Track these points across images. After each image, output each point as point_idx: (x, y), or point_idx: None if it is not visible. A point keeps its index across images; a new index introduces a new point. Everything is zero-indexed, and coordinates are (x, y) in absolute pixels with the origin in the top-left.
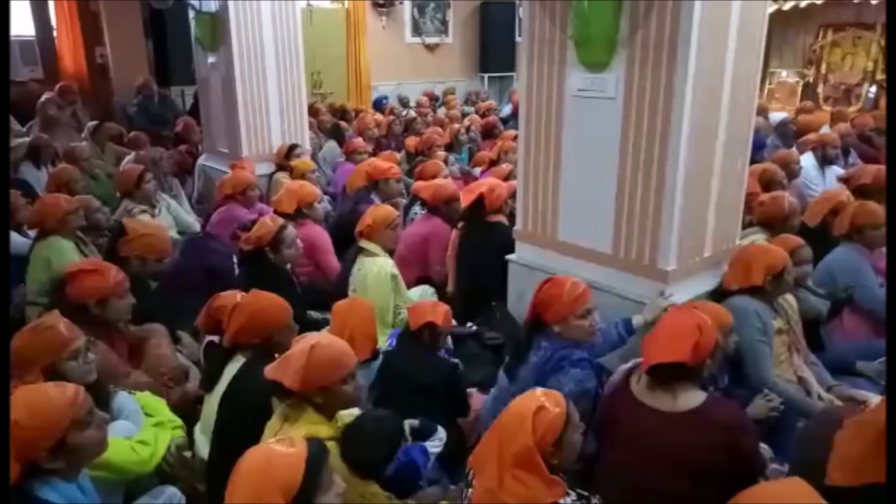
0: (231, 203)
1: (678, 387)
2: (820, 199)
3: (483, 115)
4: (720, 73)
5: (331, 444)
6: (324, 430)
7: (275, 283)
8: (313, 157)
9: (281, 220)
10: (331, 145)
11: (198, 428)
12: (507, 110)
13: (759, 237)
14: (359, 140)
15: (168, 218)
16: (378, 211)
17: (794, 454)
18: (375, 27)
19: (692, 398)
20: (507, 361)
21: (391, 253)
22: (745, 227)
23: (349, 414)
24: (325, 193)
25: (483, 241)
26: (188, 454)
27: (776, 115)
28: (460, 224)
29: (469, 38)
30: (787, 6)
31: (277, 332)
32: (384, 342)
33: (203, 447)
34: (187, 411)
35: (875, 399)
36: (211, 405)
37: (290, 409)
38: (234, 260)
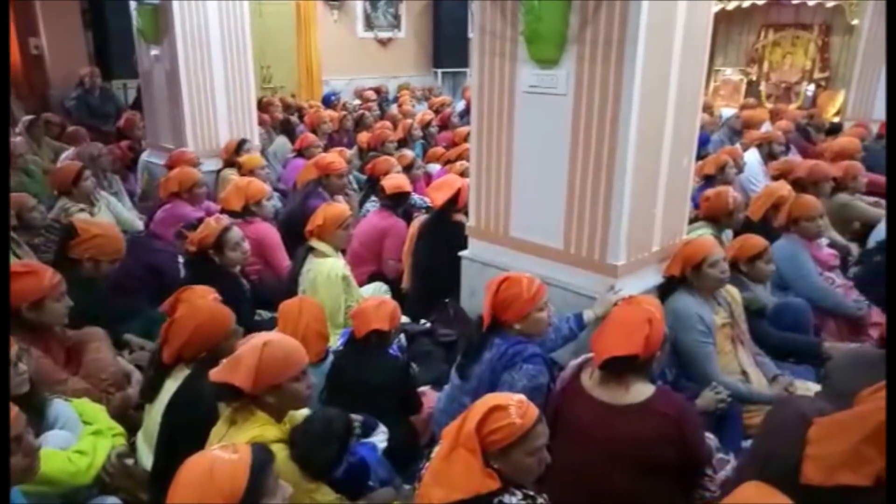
0: (177, 201)
1: (630, 380)
2: (762, 193)
3: (437, 111)
4: (667, 71)
5: (279, 447)
6: (272, 431)
7: (221, 285)
8: (263, 152)
9: (225, 222)
10: (281, 141)
11: (140, 436)
12: (460, 106)
13: (704, 231)
14: (311, 136)
15: (108, 216)
16: (330, 210)
17: (755, 444)
18: (327, 21)
19: (642, 391)
20: (458, 361)
21: (344, 252)
22: (690, 221)
23: (300, 414)
24: (276, 190)
25: (441, 237)
26: (131, 462)
27: (727, 112)
28: (422, 218)
29: (422, 33)
30: (730, 6)
31: (222, 341)
32: (335, 342)
33: (146, 456)
34: (129, 418)
35: (814, 387)
36: (153, 416)
37: (238, 412)
38: (180, 260)
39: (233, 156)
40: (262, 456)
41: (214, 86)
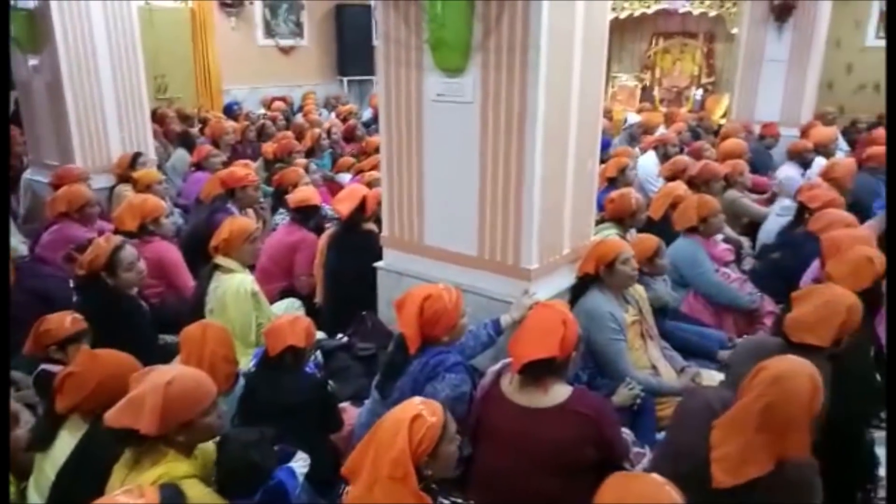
0: (66, 221)
1: (549, 382)
2: (661, 194)
3: (344, 120)
4: (568, 77)
5: (191, 482)
6: (181, 467)
7: (116, 310)
8: (160, 166)
9: (116, 240)
10: (180, 153)
11: (31, 485)
12: (367, 114)
13: (610, 232)
14: (209, 147)
15: None
16: (235, 224)
17: (667, 437)
18: (224, 28)
19: (561, 392)
20: (377, 380)
21: (252, 268)
22: (597, 223)
23: (210, 445)
24: (176, 206)
25: (352, 248)
26: None
27: (633, 117)
28: (331, 231)
29: (325, 40)
30: (622, 15)
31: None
32: (247, 363)
33: None
34: (18, 462)
35: (718, 376)
36: (45, 469)
37: (143, 453)
38: (71, 285)
39: (127, 171)
40: (171, 497)
41: (103, 97)
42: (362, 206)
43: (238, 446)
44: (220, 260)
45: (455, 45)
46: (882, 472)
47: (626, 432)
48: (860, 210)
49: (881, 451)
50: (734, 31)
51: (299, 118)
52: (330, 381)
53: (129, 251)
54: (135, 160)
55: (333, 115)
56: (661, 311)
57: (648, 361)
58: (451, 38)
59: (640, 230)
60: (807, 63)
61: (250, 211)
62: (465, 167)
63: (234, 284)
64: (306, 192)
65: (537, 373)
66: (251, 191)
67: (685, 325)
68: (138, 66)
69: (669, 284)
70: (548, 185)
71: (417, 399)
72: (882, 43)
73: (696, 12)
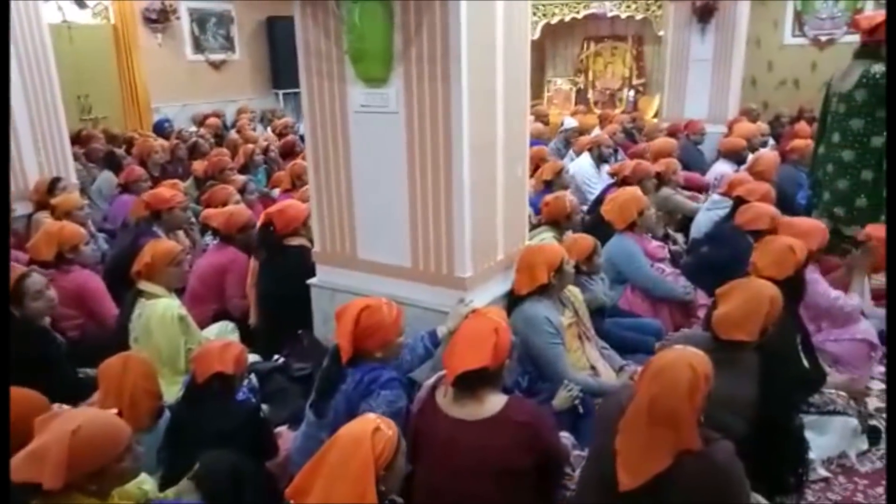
0: None
1: (483, 392)
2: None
3: (280, 134)
4: (492, 85)
5: None
6: None
7: (26, 344)
8: (83, 190)
9: (21, 269)
10: (106, 176)
11: None
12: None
13: (547, 235)
14: (138, 168)
15: None
16: (158, 247)
17: (593, 440)
18: (150, 45)
19: (496, 402)
20: (312, 399)
21: (181, 291)
22: (534, 227)
23: (131, 486)
24: (102, 231)
25: (283, 266)
26: None
27: (569, 121)
28: (259, 251)
29: (258, 53)
30: (553, 21)
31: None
32: (177, 391)
33: None
34: None
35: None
36: None
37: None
38: None
39: (45, 197)
40: None
41: (16, 120)
42: (270, 223)
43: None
44: (143, 285)
45: (375, 55)
46: (812, 455)
47: (566, 436)
48: (784, 201)
49: (810, 436)
50: (661, 33)
51: (233, 134)
52: (264, 406)
53: (36, 279)
54: (53, 185)
55: (269, 129)
56: (599, 312)
57: (587, 362)
58: (371, 49)
59: (575, 232)
60: (730, 62)
61: (180, 233)
62: (393, 178)
63: (160, 310)
64: (235, 212)
65: (471, 384)
66: (178, 212)
67: (622, 319)
68: (53, 87)
69: (607, 283)
70: (478, 193)
71: (371, 414)
72: (797, 41)
73: (623, 16)
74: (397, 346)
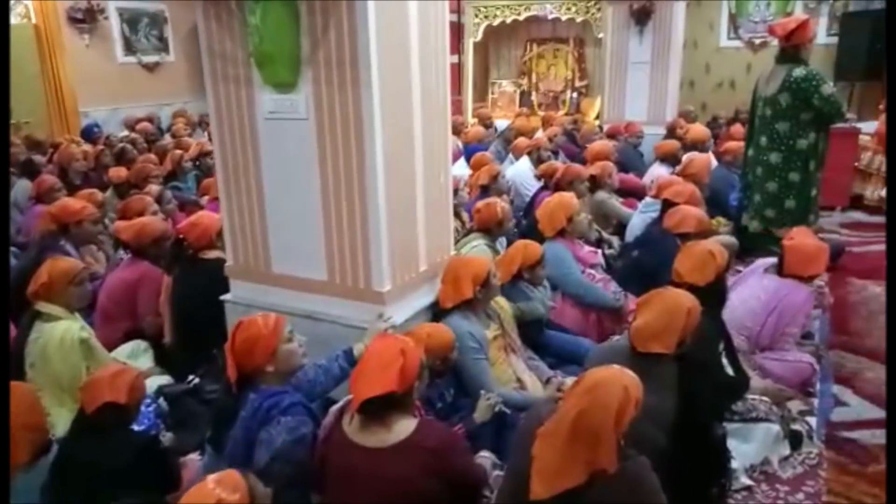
0: None
1: (391, 418)
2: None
3: None
4: (408, 90)
5: None
6: None
7: None
8: None
9: None
10: (23, 184)
11: None
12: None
13: (479, 243)
14: (50, 178)
15: None
16: (56, 265)
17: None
18: (77, 46)
19: (405, 427)
20: (209, 434)
21: (88, 309)
22: (466, 233)
23: None
24: (15, 245)
25: (197, 281)
26: None
27: (501, 123)
28: (170, 265)
29: (194, 55)
30: (495, 23)
31: None
32: None
33: None
34: None
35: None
36: None
37: None
38: None
39: None
40: None
41: None
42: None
43: None
44: (41, 306)
45: (281, 59)
46: (735, 464)
47: (486, 456)
48: (718, 202)
49: (733, 444)
50: (600, 35)
51: (167, 139)
52: (168, 434)
53: None
54: None
55: (207, 134)
56: (538, 323)
57: (513, 375)
58: (276, 53)
59: (510, 240)
60: (668, 64)
61: (91, 247)
62: (306, 188)
63: (58, 333)
64: (146, 223)
65: (378, 410)
66: (88, 225)
67: (556, 332)
68: None
69: (549, 293)
70: (395, 202)
71: (211, 478)
72: (732, 43)
73: (564, 18)
74: (287, 356)
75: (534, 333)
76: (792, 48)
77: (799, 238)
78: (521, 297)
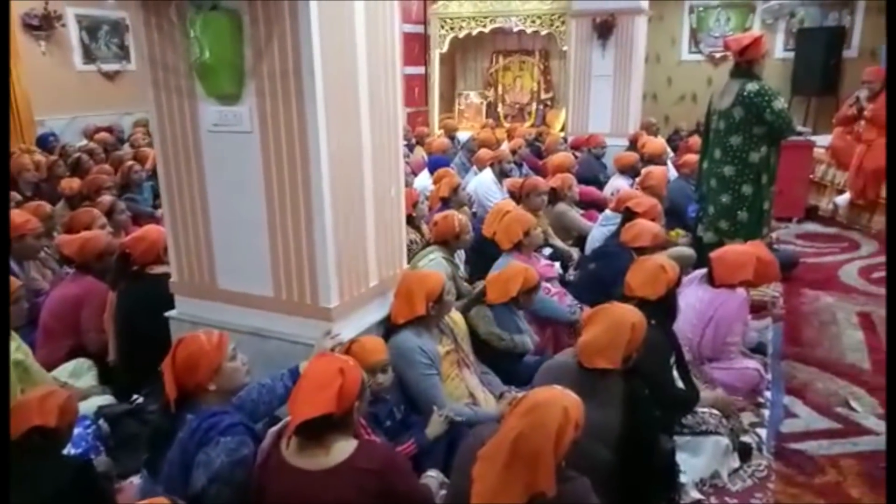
0: None
1: (329, 439)
2: (490, 212)
3: None
4: (355, 103)
5: None
6: None
7: None
8: None
9: None
10: None
11: None
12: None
13: (436, 255)
14: None
15: None
16: None
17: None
18: (33, 53)
19: (344, 449)
20: (145, 458)
21: (31, 326)
22: (424, 246)
23: None
24: None
25: (142, 297)
26: None
27: (463, 135)
28: (115, 280)
29: None
30: (461, 34)
31: None
32: None
33: None
34: None
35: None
36: None
37: None
38: None
39: None
40: None
41: None
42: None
43: None
44: None
45: (223, 70)
46: (683, 479)
47: (433, 475)
48: (676, 214)
49: (683, 457)
50: (565, 48)
51: (126, 149)
52: (104, 458)
53: None
54: None
55: None
56: (520, 355)
57: (466, 391)
58: (217, 64)
59: (469, 252)
60: (630, 77)
61: (32, 263)
62: (251, 201)
63: None
64: (90, 238)
65: (315, 432)
66: (31, 240)
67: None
68: None
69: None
70: (342, 216)
71: None
72: (693, 57)
73: (529, 31)
74: (231, 374)
75: (509, 365)
76: (746, 63)
77: (727, 248)
78: (511, 325)
